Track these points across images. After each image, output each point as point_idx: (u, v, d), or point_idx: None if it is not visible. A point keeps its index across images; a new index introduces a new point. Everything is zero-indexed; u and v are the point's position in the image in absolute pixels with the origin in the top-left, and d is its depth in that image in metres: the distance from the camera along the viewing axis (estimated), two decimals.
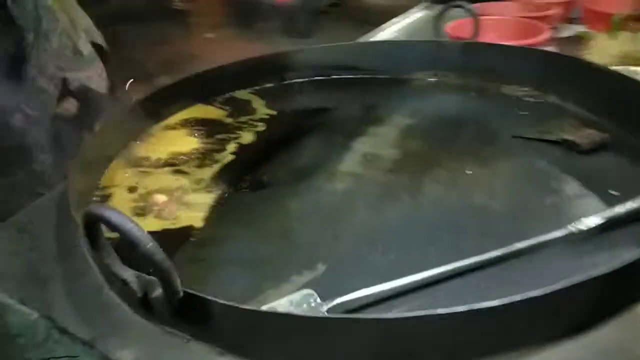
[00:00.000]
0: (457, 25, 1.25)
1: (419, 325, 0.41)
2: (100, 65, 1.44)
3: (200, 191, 0.78)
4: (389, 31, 1.68)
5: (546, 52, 1.03)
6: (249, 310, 0.42)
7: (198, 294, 0.44)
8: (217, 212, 0.72)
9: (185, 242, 0.66)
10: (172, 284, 0.41)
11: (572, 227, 0.58)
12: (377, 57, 1.16)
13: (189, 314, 0.46)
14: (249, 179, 0.81)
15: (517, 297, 0.43)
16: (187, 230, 0.68)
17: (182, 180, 0.81)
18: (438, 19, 1.13)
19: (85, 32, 1.29)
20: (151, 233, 0.42)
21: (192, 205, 0.74)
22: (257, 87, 1.14)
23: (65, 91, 1.14)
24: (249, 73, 1.13)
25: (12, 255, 0.65)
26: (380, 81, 1.15)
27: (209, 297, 0.43)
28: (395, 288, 0.52)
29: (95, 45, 1.35)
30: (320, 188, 0.76)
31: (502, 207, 0.68)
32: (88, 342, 0.51)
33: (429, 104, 1.02)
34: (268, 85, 1.15)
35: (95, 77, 1.37)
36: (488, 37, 1.16)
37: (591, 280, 0.44)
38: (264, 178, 0.80)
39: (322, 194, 0.74)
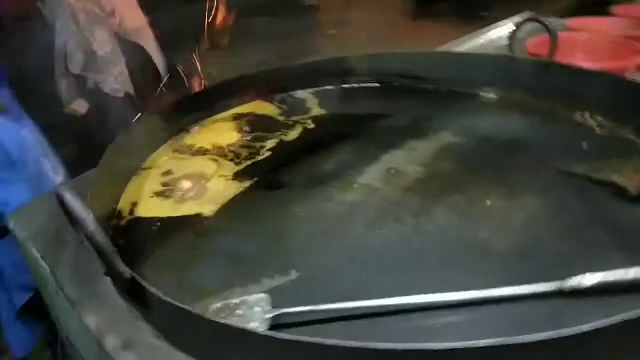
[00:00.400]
0: (538, 42, 1.14)
1: (322, 355, 0.41)
2: (119, 69, 1.53)
3: (224, 183, 0.83)
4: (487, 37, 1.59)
5: (630, 80, 0.89)
6: (175, 306, 0.45)
7: (140, 280, 0.48)
8: (229, 205, 0.76)
9: (189, 229, 0.71)
10: (113, 266, 0.46)
11: (565, 284, 0.52)
12: (442, 68, 1.11)
13: (137, 297, 0.50)
14: (271, 177, 0.83)
15: (444, 346, 0.40)
16: (195, 219, 0.73)
17: (213, 170, 0.86)
18: (514, 34, 1.05)
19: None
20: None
21: (211, 196, 0.79)
22: (317, 89, 1.16)
23: (81, 91, 1.25)
24: (311, 75, 1.15)
25: (50, 219, 0.75)
26: (441, 93, 1.10)
27: (147, 286, 0.47)
28: (343, 310, 0.51)
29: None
30: (331, 197, 0.76)
31: (506, 246, 0.62)
32: (72, 303, 0.58)
33: (484, 123, 0.95)
34: (328, 87, 1.17)
35: (110, 80, 1.45)
36: (573, 56, 1.04)
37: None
38: (284, 179, 0.82)
39: (329, 203, 0.74)
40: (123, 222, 0.73)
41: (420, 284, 0.56)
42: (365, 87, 1.16)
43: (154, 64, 1.78)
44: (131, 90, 1.74)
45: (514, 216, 0.68)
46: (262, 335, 0.42)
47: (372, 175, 0.81)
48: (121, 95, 1.49)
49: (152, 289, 0.46)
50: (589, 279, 0.50)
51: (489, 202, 0.71)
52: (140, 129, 0.90)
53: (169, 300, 0.45)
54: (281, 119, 1.05)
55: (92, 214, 0.44)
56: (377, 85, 1.16)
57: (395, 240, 0.65)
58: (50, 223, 0.76)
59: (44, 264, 0.67)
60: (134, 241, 0.69)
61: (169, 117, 0.97)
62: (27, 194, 1.25)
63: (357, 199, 0.75)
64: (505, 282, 0.54)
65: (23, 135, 1.32)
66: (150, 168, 0.88)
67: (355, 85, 1.16)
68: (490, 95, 1.05)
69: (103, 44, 1.31)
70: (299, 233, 0.69)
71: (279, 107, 1.10)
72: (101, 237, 0.43)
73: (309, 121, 1.03)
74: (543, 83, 0.98)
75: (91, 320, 0.53)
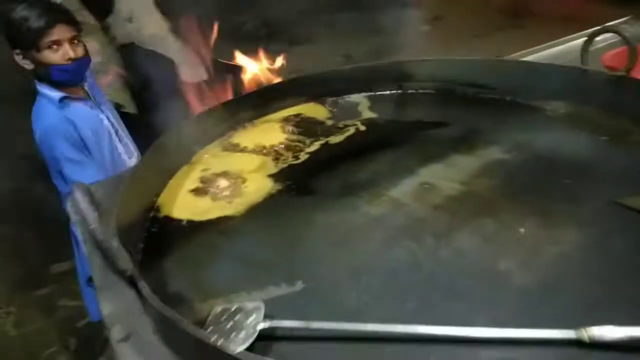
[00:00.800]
0: (616, 54, 1.01)
1: None
2: (108, 80, 1.56)
3: (259, 183, 0.85)
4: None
5: None
6: (156, 309, 0.47)
7: (136, 279, 0.51)
8: (257, 207, 0.78)
9: (215, 228, 0.74)
10: (115, 261, 0.49)
11: (582, 333, 0.47)
12: (508, 78, 1.03)
13: (139, 292, 0.53)
14: (305, 181, 0.84)
15: None
16: (223, 218, 0.76)
17: (251, 170, 0.89)
18: (587, 45, 0.95)
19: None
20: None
21: (243, 196, 0.82)
22: (372, 93, 1.14)
23: None
24: (367, 78, 1.14)
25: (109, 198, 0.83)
26: (503, 104, 1.03)
27: (141, 286, 0.50)
28: (336, 330, 0.51)
29: None
30: (357, 208, 0.74)
31: (527, 281, 0.57)
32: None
33: (542, 140, 0.88)
34: (384, 92, 1.14)
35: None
36: None
37: None
38: (317, 184, 0.83)
39: (353, 214, 0.73)
40: (159, 215, 0.78)
41: (420, 313, 0.54)
42: (423, 94, 1.12)
43: (175, 72, 1.83)
44: (123, 101, 1.79)
45: (544, 249, 0.62)
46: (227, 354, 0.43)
47: (404, 188, 0.78)
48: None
49: (145, 290, 0.49)
50: (612, 332, 0.45)
51: (521, 230, 0.65)
52: (191, 125, 0.95)
53: (155, 303, 0.47)
54: (329, 122, 1.05)
55: (96, 213, 0.48)
56: (434, 92, 1.11)
57: (407, 261, 0.63)
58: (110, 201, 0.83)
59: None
60: (164, 235, 0.73)
61: (220, 115, 1.01)
62: (100, 176, 1.36)
63: (381, 212, 0.73)
64: (515, 321, 0.50)
65: (101, 120, 1.44)
66: (195, 163, 0.93)
67: (412, 91, 1.13)
68: (556, 109, 0.96)
69: (92, 55, 1.40)
70: (315, 243, 0.69)
71: (330, 110, 1.10)
72: (101, 235, 0.47)
73: (357, 126, 1.02)
74: (616, 100, 0.88)
75: (106, 308, 0.58)
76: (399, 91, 1.14)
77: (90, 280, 1.39)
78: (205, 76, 1.83)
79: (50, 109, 1.34)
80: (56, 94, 1.34)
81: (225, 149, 0.97)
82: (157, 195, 0.82)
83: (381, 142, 0.95)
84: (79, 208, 0.48)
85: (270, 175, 0.87)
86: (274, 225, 0.74)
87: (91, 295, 1.48)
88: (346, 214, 0.74)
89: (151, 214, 0.78)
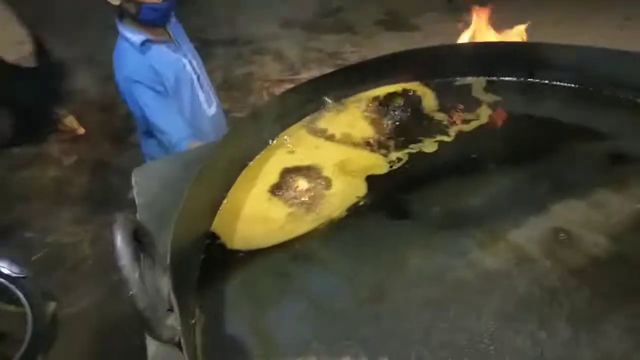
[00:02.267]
0: None
1: None
2: None
3: (345, 190, 0.70)
4: None
5: None
6: None
7: (183, 349, 0.40)
8: (340, 226, 0.64)
9: (286, 249, 0.62)
10: (158, 333, 0.38)
11: None
12: None
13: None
14: (400, 197, 0.68)
15: None
16: (294, 236, 0.63)
17: (336, 166, 0.74)
18: None
19: None
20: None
21: (325, 205, 0.68)
22: (493, 78, 0.93)
23: None
24: (489, 58, 0.92)
25: (165, 187, 0.73)
26: None
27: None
28: None
29: None
30: (464, 252, 0.58)
31: None
32: None
33: None
34: (509, 78, 0.92)
35: None
36: None
37: None
38: (414, 205, 0.67)
39: (458, 262, 0.57)
40: (221, 232, 0.67)
41: None
42: (560, 87, 0.88)
43: None
44: None
45: None
46: None
47: (530, 232, 0.60)
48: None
49: None
50: None
51: None
52: (271, 104, 0.81)
53: None
54: (435, 113, 0.86)
55: (137, 272, 0.36)
56: (575, 86, 0.88)
57: (530, 356, 0.47)
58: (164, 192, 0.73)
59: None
60: (226, 255, 0.62)
61: (307, 92, 0.85)
62: (181, 123, 1.28)
63: (498, 266, 0.56)
64: None
65: (183, 65, 1.34)
66: (275, 148, 0.79)
67: (546, 82, 0.90)
68: None
69: None
70: (407, 296, 0.54)
71: (437, 97, 0.90)
72: (143, 303, 0.36)
73: (470, 124, 0.83)
74: None
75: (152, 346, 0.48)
76: (529, 80, 0.91)
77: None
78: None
79: (131, 53, 1.26)
80: (138, 37, 1.25)
81: (310, 132, 0.82)
82: (226, 190, 0.71)
83: (501, 152, 0.76)
84: (118, 257, 0.36)
85: (359, 180, 0.72)
86: (358, 256, 0.60)
87: (147, 142, 1.44)
88: (449, 258, 0.58)
89: (211, 228, 0.66)
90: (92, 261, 2.08)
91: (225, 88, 2.90)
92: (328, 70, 0.89)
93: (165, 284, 0.45)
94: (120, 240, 0.37)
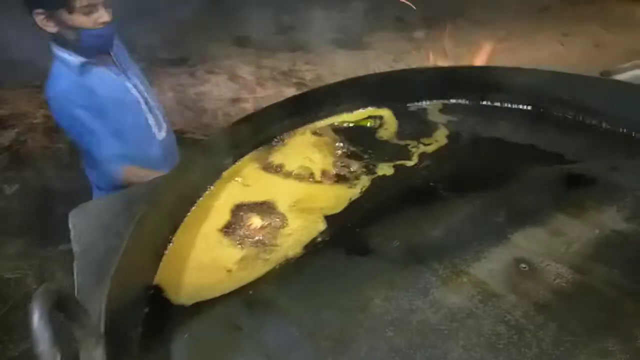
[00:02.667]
0: None
1: None
2: None
3: (300, 228, 0.66)
4: None
5: None
6: None
7: None
8: (297, 267, 0.61)
9: (239, 297, 0.57)
10: None
11: None
12: (626, 103, 0.79)
13: None
14: (358, 232, 0.65)
15: None
16: (248, 282, 0.59)
17: (291, 203, 0.71)
18: None
19: None
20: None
21: (280, 245, 0.64)
22: (446, 101, 0.92)
23: None
24: (443, 84, 0.91)
25: (104, 233, 0.67)
26: (620, 137, 0.80)
27: None
28: None
29: None
30: (427, 291, 0.56)
31: None
32: None
33: None
34: (462, 101, 0.92)
35: None
36: None
37: None
38: (373, 240, 0.64)
39: (422, 303, 0.54)
40: (171, 266, 0.62)
41: None
42: (512, 109, 0.89)
43: None
44: None
45: None
46: None
47: (492, 265, 0.58)
48: None
49: None
50: None
51: None
52: (221, 137, 0.76)
53: None
54: (393, 140, 0.84)
55: (52, 346, 0.31)
56: (526, 108, 0.88)
57: None
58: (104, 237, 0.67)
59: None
60: (170, 307, 0.57)
61: (258, 123, 0.82)
62: (112, 141, 1.19)
63: (462, 304, 0.54)
64: None
65: (127, 88, 1.27)
66: (229, 181, 0.75)
67: (498, 105, 0.90)
68: None
69: None
70: (372, 345, 0.50)
71: (393, 123, 0.89)
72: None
73: (426, 148, 0.81)
74: None
75: None
76: (482, 102, 0.91)
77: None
78: None
79: (66, 74, 1.17)
80: (76, 59, 1.17)
81: (263, 166, 0.78)
82: (172, 234, 0.66)
83: (458, 177, 0.75)
84: (35, 342, 0.31)
85: (316, 215, 0.68)
86: (318, 301, 0.56)
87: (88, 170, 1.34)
88: (413, 297, 0.55)
89: (155, 281, 0.61)
90: None
91: (179, 109, 2.82)
92: (284, 88, 0.86)
93: (99, 356, 0.39)
94: (37, 321, 0.32)
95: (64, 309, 0.37)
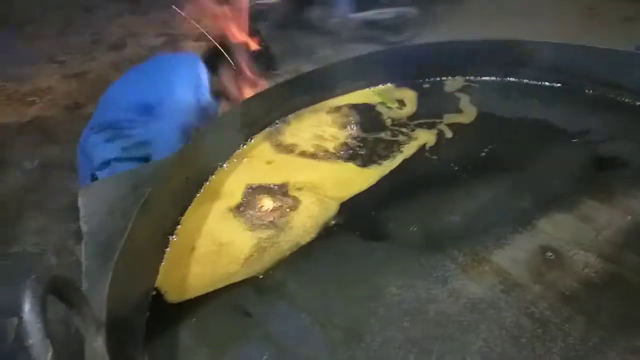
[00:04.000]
0: None
1: None
2: None
3: (312, 210, 0.64)
4: None
5: None
6: None
7: None
8: (308, 250, 0.58)
9: (249, 283, 0.55)
10: None
11: None
12: None
13: None
14: (373, 216, 0.62)
15: None
16: (258, 268, 0.57)
17: (303, 184, 0.68)
18: None
19: None
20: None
21: (291, 228, 0.62)
22: (470, 78, 0.88)
23: None
24: (465, 59, 0.86)
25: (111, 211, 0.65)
26: None
27: None
28: None
29: None
30: (445, 279, 0.53)
31: None
32: None
33: None
34: (486, 78, 0.87)
35: None
36: None
37: None
38: (389, 224, 0.61)
39: (440, 291, 0.51)
40: (177, 254, 0.60)
41: None
42: (540, 87, 0.84)
43: None
44: None
45: None
46: None
47: (516, 253, 0.55)
48: None
49: None
50: None
51: None
52: (233, 115, 0.73)
53: None
54: (412, 119, 0.80)
55: (50, 353, 0.29)
56: (556, 85, 0.83)
57: None
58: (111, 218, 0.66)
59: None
60: (182, 279, 0.55)
61: (271, 100, 0.79)
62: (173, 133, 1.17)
63: (481, 296, 0.51)
64: None
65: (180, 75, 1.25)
66: (240, 160, 0.72)
67: (525, 81, 0.85)
68: None
69: None
70: (385, 336, 0.48)
71: (413, 100, 0.85)
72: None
73: (447, 126, 0.78)
74: None
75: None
76: (507, 79, 0.86)
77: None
78: None
79: None
80: None
81: (278, 148, 0.75)
82: (180, 216, 0.64)
83: (481, 159, 0.71)
84: (26, 334, 0.29)
85: (329, 200, 0.65)
86: (330, 289, 0.54)
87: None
88: (431, 286, 0.52)
89: (160, 268, 0.59)
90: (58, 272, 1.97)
91: None
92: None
93: (99, 345, 0.38)
94: (28, 311, 0.30)
95: (62, 296, 0.35)
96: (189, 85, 1.12)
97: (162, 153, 0.78)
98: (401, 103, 0.83)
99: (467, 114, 0.80)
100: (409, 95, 0.85)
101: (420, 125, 0.78)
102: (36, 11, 2.98)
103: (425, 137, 0.75)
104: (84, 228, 0.67)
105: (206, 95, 1.13)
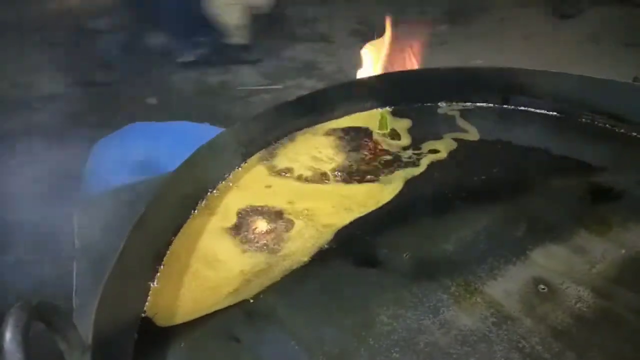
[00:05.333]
0: None
1: None
2: None
3: (307, 232, 0.64)
4: None
5: None
6: None
7: None
8: (300, 274, 0.58)
9: (240, 308, 0.55)
10: None
11: None
12: None
13: None
14: (366, 241, 0.62)
15: None
16: (250, 292, 0.56)
17: (300, 209, 0.68)
18: None
19: None
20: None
21: (285, 250, 0.61)
22: (466, 104, 0.88)
23: None
24: (463, 85, 0.87)
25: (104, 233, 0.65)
26: None
27: None
28: None
29: None
30: (437, 310, 0.52)
31: None
32: None
33: None
34: (482, 104, 0.88)
35: None
36: None
37: None
38: (382, 251, 0.61)
39: (432, 324, 0.51)
40: (168, 278, 0.59)
41: None
42: (537, 115, 0.84)
43: None
44: None
45: None
46: None
47: (508, 284, 0.55)
48: None
49: None
50: None
51: None
52: (230, 135, 0.74)
53: None
54: (406, 144, 0.80)
55: None
56: (553, 114, 0.84)
57: None
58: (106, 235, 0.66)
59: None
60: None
61: (267, 122, 0.79)
62: None
63: (472, 328, 0.50)
64: None
65: None
66: (235, 181, 0.73)
67: (522, 109, 0.85)
68: None
69: None
70: None
71: (406, 125, 0.85)
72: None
73: (443, 152, 0.78)
74: None
75: None
76: (504, 106, 0.87)
77: None
78: None
79: None
80: None
81: (273, 170, 0.75)
82: (173, 235, 0.64)
83: (475, 186, 0.71)
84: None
85: (324, 224, 0.65)
86: (320, 315, 0.53)
87: None
88: (422, 317, 0.52)
89: (150, 292, 0.59)
90: None
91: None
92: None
93: None
94: (8, 342, 0.30)
95: (47, 322, 0.35)
96: None
97: None
98: (397, 128, 0.84)
99: (462, 140, 0.80)
100: (405, 121, 0.85)
101: (415, 151, 0.78)
102: None
103: (418, 164, 0.75)
104: (77, 244, 0.67)
105: None
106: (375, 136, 0.82)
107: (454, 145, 0.79)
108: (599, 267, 0.56)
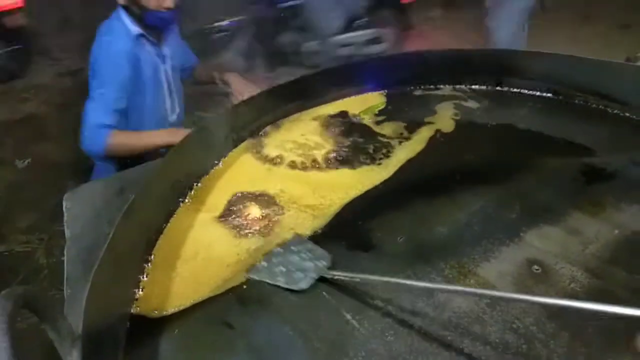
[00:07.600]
0: None
1: None
2: None
3: (298, 219, 0.63)
4: None
5: None
6: None
7: None
8: None
9: (235, 292, 0.54)
10: None
11: None
12: None
13: None
14: (359, 225, 0.62)
15: None
16: (240, 278, 0.56)
17: (290, 197, 0.67)
18: None
19: None
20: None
21: (274, 241, 0.61)
22: (459, 86, 0.87)
23: None
24: (457, 67, 0.86)
25: (97, 216, 0.64)
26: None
27: None
28: None
29: None
30: (431, 293, 0.52)
31: None
32: None
33: None
34: (475, 87, 0.87)
35: None
36: None
37: None
38: (376, 234, 0.60)
39: (426, 306, 0.51)
40: (160, 265, 0.59)
41: None
42: (530, 96, 0.84)
43: None
44: None
45: None
46: None
47: (502, 266, 0.55)
48: None
49: None
50: None
51: None
52: (220, 121, 0.73)
53: None
54: (398, 128, 0.80)
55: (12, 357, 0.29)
56: (547, 95, 0.83)
57: None
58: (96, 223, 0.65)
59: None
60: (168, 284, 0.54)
61: (256, 108, 0.78)
62: (106, 109, 1.21)
63: (466, 310, 0.50)
64: None
65: (158, 69, 1.31)
66: (226, 167, 0.72)
67: (515, 91, 0.85)
68: None
69: None
70: (367, 353, 0.47)
71: (398, 109, 0.84)
72: None
73: (437, 135, 0.77)
74: None
75: None
76: (497, 88, 0.86)
77: None
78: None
79: (122, 32, 1.23)
80: (135, 29, 1.23)
81: (264, 156, 0.74)
82: (165, 222, 0.63)
83: (469, 169, 0.70)
84: None
85: (315, 208, 0.65)
86: (314, 300, 0.53)
87: None
88: (416, 300, 0.52)
89: (142, 280, 0.58)
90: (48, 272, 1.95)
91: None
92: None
93: (75, 359, 0.37)
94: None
95: (34, 310, 0.34)
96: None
97: None
98: (387, 112, 0.83)
99: (456, 123, 0.79)
100: (397, 104, 0.84)
101: (407, 134, 0.78)
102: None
103: (412, 147, 0.75)
104: (67, 233, 0.66)
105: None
106: (366, 121, 0.81)
107: (448, 128, 0.78)
108: (592, 248, 0.56)
